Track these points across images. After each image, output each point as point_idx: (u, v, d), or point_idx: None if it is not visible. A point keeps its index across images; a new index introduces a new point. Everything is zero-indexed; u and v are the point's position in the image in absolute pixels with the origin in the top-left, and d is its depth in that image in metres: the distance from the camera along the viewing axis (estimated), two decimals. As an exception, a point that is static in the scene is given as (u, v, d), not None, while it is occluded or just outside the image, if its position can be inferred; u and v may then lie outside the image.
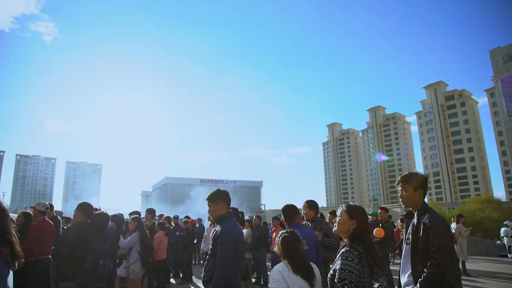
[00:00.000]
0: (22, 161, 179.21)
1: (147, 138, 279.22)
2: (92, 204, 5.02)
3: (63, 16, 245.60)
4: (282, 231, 3.07)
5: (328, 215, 9.51)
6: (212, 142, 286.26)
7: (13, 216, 5.03)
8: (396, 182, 3.15)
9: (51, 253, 5.39)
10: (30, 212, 6.14)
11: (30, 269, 5.18)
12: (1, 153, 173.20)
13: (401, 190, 3.06)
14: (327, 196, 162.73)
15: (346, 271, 2.28)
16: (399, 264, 3.17)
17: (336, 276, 2.32)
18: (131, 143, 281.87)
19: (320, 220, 4.73)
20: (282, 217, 4.10)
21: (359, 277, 2.29)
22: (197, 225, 12.88)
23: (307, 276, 2.79)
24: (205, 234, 6.68)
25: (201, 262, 11.99)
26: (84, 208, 4.67)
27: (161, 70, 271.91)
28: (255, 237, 10.34)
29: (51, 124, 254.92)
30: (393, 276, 7.41)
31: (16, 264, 2.08)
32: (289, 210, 4.02)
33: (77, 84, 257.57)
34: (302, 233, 3.16)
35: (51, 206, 6.43)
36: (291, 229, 3.15)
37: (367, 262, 2.35)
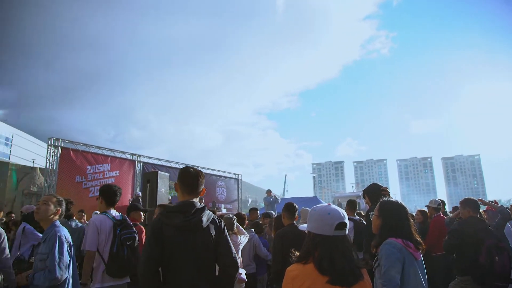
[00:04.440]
0: (402, 165, 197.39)
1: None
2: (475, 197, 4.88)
3: (392, 26, 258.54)
4: None
5: None
6: None
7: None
8: None
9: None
10: (426, 210, 6.64)
11: (436, 264, 5.33)
12: (385, 161, 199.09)
13: None
14: None
15: None
16: None
17: None
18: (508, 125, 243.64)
19: None
20: None
21: None
22: None
23: None
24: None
25: None
26: (470, 204, 4.55)
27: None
28: None
29: (416, 125, 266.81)
30: None
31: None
32: None
33: (431, 84, 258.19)
34: None
35: (443, 203, 6.58)
36: None
37: None
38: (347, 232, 1.82)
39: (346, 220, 1.82)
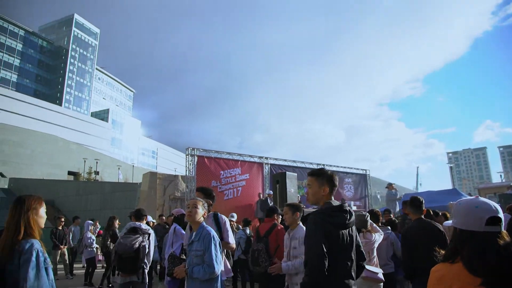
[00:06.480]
0: None
1: None
2: None
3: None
4: None
5: None
6: None
7: None
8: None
9: None
10: None
11: None
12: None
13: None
14: None
15: None
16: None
17: None
18: None
19: None
20: None
21: None
22: None
23: None
24: None
25: None
26: None
27: None
28: None
29: None
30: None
31: None
32: None
33: None
34: None
35: None
36: None
37: None
38: (502, 228, 1.56)
39: (500, 214, 1.56)
